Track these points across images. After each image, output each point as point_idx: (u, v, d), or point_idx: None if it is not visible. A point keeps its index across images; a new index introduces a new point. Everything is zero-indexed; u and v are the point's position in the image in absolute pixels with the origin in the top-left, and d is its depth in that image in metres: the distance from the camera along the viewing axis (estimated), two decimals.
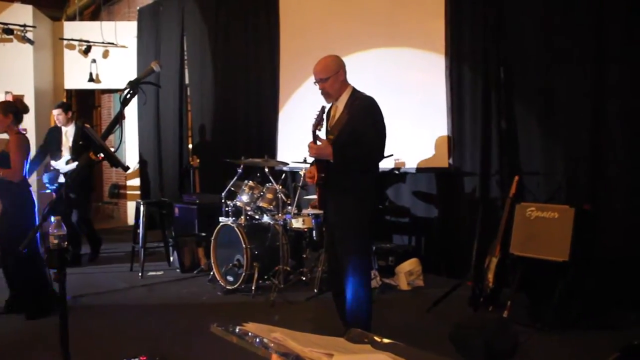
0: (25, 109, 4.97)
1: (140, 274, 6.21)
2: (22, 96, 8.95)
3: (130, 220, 9.93)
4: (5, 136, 4.77)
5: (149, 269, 6.43)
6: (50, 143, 6.86)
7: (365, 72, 6.31)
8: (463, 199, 5.81)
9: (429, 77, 6.05)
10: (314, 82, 3.75)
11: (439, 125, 5.93)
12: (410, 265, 5.61)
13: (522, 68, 5.26)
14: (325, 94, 3.73)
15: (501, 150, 5.47)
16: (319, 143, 3.59)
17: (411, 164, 6.19)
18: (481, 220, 5.08)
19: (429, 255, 6.11)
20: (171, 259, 6.74)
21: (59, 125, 6.85)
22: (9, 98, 8.77)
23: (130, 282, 6.05)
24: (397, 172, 6.31)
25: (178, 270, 6.44)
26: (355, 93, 3.71)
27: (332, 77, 3.66)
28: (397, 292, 5.48)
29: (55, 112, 6.88)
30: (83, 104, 12.55)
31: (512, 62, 5.36)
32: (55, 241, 2.66)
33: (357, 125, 3.54)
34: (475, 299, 4.68)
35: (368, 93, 3.76)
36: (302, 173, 5.84)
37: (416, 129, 6.12)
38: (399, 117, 6.03)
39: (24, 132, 4.93)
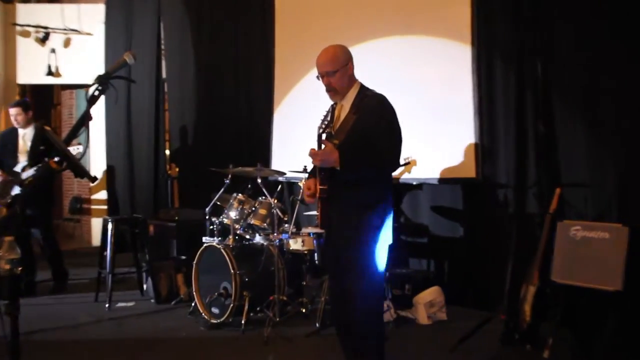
0: None
1: (107, 305, 6.17)
2: None
3: (96, 241, 9.90)
4: None
5: (117, 299, 6.39)
6: (4, 147, 6.85)
7: (375, 66, 6.30)
8: (494, 216, 5.80)
9: (452, 70, 6.05)
10: (317, 77, 3.75)
11: (464, 128, 5.92)
12: (430, 294, 5.60)
13: (564, 61, 5.26)
14: (332, 91, 3.72)
15: (539, 158, 5.46)
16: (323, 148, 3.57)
17: (431, 174, 6.17)
18: (516, 241, 5.06)
19: (453, 283, 6.08)
20: (144, 287, 6.70)
21: (16, 126, 6.84)
22: None
23: (95, 314, 6.01)
24: (413, 182, 6.30)
25: (153, 300, 6.40)
26: (363, 90, 3.72)
27: (340, 70, 3.66)
28: (416, 327, 5.45)
29: (13, 111, 6.85)
30: (40, 102, 12.52)
31: (553, 54, 5.36)
32: (7, 266, 2.64)
33: (367, 127, 3.54)
34: (509, 335, 4.66)
35: (378, 91, 3.75)
36: (301, 184, 5.82)
37: (436, 133, 6.12)
38: (416, 119, 6.02)
39: None
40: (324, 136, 3.59)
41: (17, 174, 6.57)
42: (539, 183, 5.46)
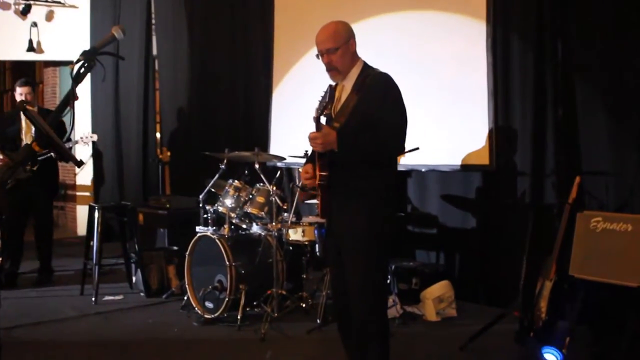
0: None
1: (93, 299, 6.20)
2: None
3: (81, 230, 9.92)
4: None
5: (104, 292, 6.42)
6: (7, 128, 6.91)
7: (382, 43, 6.32)
8: (508, 206, 5.81)
9: (465, 49, 6.04)
10: (317, 55, 3.74)
11: (477, 111, 5.92)
12: (439, 289, 5.62)
13: (587, 39, 5.26)
14: (333, 70, 3.70)
15: (558, 143, 5.47)
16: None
17: (441, 160, 6.19)
18: (532, 232, 5.07)
19: (463, 277, 6.12)
20: (133, 279, 6.73)
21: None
22: None
23: (80, 309, 6.04)
24: (422, 169, 6.32)
25: (142, 294, 6.44)
26: (366, 68, 3.71)
27: (342, 47, 3.65)
28: (423, 324, 5.48)
29: (24, 90, 6.84)
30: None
31: (574, 31, 5.35)
32: None
33: (370, 109, 3.53)
34: (523, 333, 4.67)
35: (381, 67, 3.75)
36: (301, 170, 5.84)
37: (447, 115, 6.13)
38: (425, 100, 6.04)
39: None
40: (323, 119, 3.58)
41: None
42: (557, 171, 5.46)
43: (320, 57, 3.72)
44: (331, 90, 3.61)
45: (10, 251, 6.90)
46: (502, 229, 5.86)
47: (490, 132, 5.85)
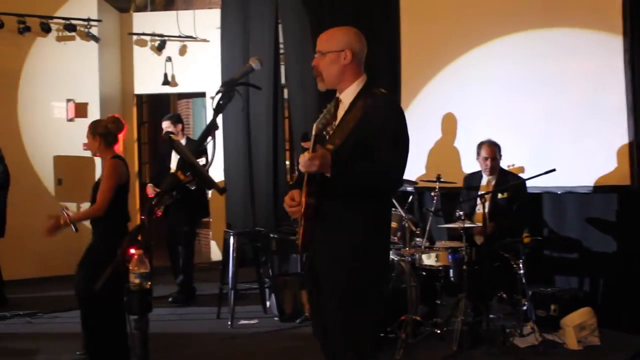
0: (117, 128, 5.04)
1: (229, 322, 6.37)
2: (87, 104, 9.50)
3: (215, 255, 10.22)
4: None
5: (240, 316, 6.58)
6: (160, 162, 7.60)
7: (510, 62, 6.23)
8: None
9: (600, 65, 5.96)
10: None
11: (615, 129, 5.82)
12: (581, 316, 5.47)
13: None
14: (316, 74, 3.34)
15: None
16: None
17: (577, 182, 6.08)
18: None
19: (606, 304, 5.95)
20: (267, 304, 6.87)
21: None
22: (72, 107, 9.39)
23: (218, 332, 6.22)
24: (558, 192, 6.20)
25: (276, 318, 6.55)
26: (368, 87, 3.33)
27: (331, 53, 3.29)
28: (564, 353, 5.34)
29: (164, 124, 7.58)
30: (155, 112, 13.07)
31: None
32: (137, 281, 2.74)
33: (369, 135, 3.14)
34: None
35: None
36: (433, 195, 5.80)
37: (583, 136, 6.04)
38: (559, 121, 5.99)
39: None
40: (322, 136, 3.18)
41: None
42: None
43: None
44: (333, 107, 3.26)
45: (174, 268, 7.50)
46: None
47: (631, 150, 5.73)
